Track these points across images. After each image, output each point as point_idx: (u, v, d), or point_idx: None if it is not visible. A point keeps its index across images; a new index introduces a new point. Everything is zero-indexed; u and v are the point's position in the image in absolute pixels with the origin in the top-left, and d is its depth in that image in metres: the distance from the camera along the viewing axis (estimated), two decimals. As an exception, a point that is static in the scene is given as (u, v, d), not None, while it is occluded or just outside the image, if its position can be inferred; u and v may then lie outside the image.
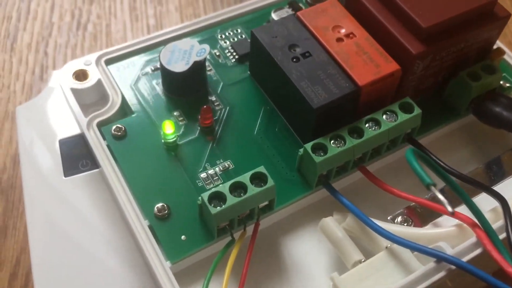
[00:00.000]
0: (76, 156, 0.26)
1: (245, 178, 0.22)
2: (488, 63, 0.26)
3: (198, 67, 0.25)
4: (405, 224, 0.23)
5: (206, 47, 0.25)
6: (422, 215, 0.24)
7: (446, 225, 0.22)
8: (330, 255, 0.23)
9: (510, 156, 0.26)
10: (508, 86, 0.28)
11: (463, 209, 0.22)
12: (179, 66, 0.25)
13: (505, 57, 0.28)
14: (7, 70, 0.37)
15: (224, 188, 0.21)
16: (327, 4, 0.27)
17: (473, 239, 0.21)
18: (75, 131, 0.27)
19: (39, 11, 0.40)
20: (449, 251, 0.20)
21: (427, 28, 0.24)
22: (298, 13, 0.26)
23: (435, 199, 0.23)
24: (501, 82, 0.28)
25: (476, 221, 0.20)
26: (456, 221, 0.22)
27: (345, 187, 0.25)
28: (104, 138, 0.25)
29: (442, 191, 0.25)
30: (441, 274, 0.20)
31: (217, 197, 0.21)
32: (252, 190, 0.21)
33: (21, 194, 0.31)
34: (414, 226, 0.23)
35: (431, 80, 0.26)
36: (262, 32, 0.25)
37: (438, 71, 0.26)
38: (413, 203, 0.24)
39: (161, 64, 0.25)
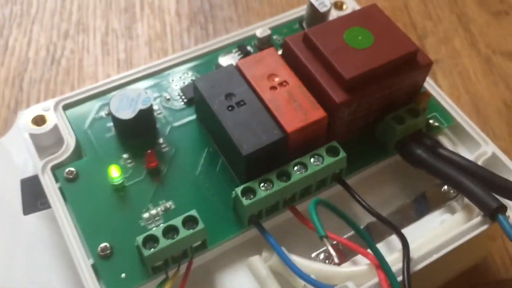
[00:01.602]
0: (35, 194, 0.29)
1: (177, 221, 0.24)
2: (413, 106, 0.28)
3: (143, 114, 0.28)
4: (326, 262, 0.25)
5: (151, 96, 0.28)
6: (343, 252, 0.26)
7: (361, 262, 0.25)
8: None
9: (434, 191, 0.28)
10: (436, 126, 0.30)
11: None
12: (126, 113, 0.27)
13: (436, 96, 0.30)
14: (-16, 104, 0.39)
15: (158, 231, 0.24)
16: (265, 53, 0.29)
17: (376, 279, 0.23)
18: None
19: (17, 46, 0.43)
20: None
21: (350, 79, 0.26)
22: (238, 62, 0.28)
23: (354, 238, 0.25)
24: (431, 121, 0.30)
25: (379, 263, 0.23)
26: (366, 261, 0.24)
27: (277, 225, 0.27)
28: (57, 181, 0.27)
29: (366, 228, 0.27)
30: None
31: (152, 239, 0.24)
32: (184, 232, 0.24)
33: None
34: (335, 262, 0.25)
35: (360, 122, 0.28)
36: (203, 81, 0.28)
37: (367, 114, 0.28)
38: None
39: (110, 111, 0.28)
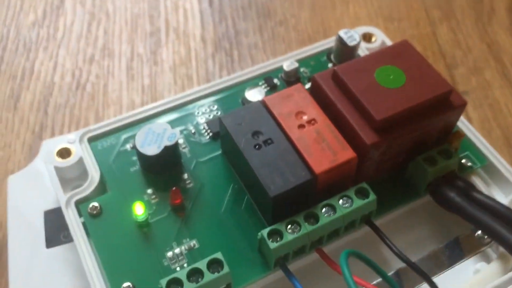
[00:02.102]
0: (58, 227, 0.28)
1: (202, 264, 0.23)
2: (446, 147, 0.28)
3: (169, 150, 0.27)
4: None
5: (177, 132, 0.27)
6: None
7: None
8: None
9: (467, 237, 0.27)
10: (469, 166, 0.29)
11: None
12: (151, 149, 0.27)
13: (468, 134, 0.30)
14: (9, 128, 0.39)
15: (182, 274, 0.23)
16: (292, 89, 0.28)
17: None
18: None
19: (42, 71, 0.43)
20: None
21: (380, 120, 0.25)
22: (265, 99, 0.28)
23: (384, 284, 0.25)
24: (463, 161, 0.29)
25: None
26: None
27: (303, 266, 0.26)
28: (80, 215, 0.27)
29: (396, 274, 0.26)
30: None
31: (175, 282, 0.23)
32: (208, 276, 0.23)
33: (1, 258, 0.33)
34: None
35: (390, 163, 0.28)
36: (229, 118, 0.27)
37: (397, 155, 0.27)
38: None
39: (135, 146, 0.27)
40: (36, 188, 0.30)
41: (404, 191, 0.28)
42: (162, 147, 0.27)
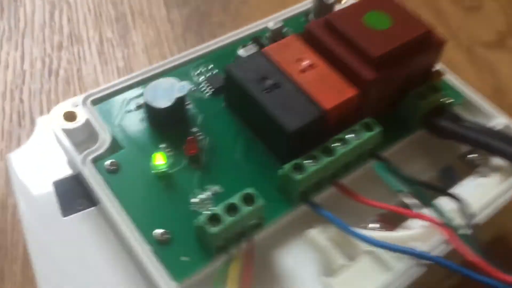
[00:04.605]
0: (71, 196, 0.28)
1: (236, 198, 0.24)
2: (432, 84, 0.30)
3: (180, 102, 0.28)
4: (379, 230, 0.26)
5: (186, 83, 0.28)
6: (391, 220, 0.27)
7: (413, 227, 0.26)
8: (317, 263, 0.26)
9: (459, 163, 0.30)
10: (450, 101, 0.32)
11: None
12: (163, 102, 0.28)
13: (445, 77, 0.33)
14: (-16, 118, 0.38)
15: (220, 210, 0.24)
16: (289, 39, 0.30)
17: (439, 237, 0.24)
18: (67, 172, 0.29)
19: (10, 60, 0.42)
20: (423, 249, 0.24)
21: (377, 57, 0.28)
22: (265, 49, 0.29)
23: (402, 205, 0.27)
24: (444, 99, 0.32)
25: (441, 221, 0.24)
26: (420, 223, 0.25)
27: (320, 202, 0.28)
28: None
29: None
30: (422, 270, 0.23)
31: (214, 219, 0.24)
32: (245, 209, 0.24)
33: (12, 239, 0.32)
34: (386, 230, 0.26)
35: (384, 101, 0.30)
36: (236, 68, 0.28)
37: (390, 94, 0.30)
38: (383, 210, 0.27)
39: (146, 101, 0.28)
40: (40, 162, 0.30)
41: (398, 127, 0.30)
42: (173, 99, 0.28)
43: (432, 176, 0.30)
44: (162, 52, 0.43)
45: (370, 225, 0.27)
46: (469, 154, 0.30)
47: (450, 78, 0.33)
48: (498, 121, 0.31)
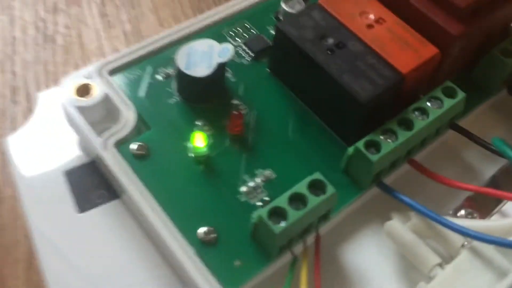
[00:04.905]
0: (87, 187, 0.23)
1: (301, 187, 0.19)
2: (514, 40, 0.25)
3: (221, 70, 0.23)
4: (470, 217, 0.22)
5: (229, 46, 0.23)
6: (483, 206, 0.22)
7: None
8: (394, 259, 0.21)
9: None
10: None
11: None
12: (201, 70, 0.22)
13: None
14: (-28, 95, 0.32)
15: (282, 202, 0.19)
16: (347, -11, 0.25)
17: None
18: (80, 160, 0.24)
19: (-3, 26, 0.36)
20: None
21: (465, 7, 0.22)
22: (320, 1, 0.24)
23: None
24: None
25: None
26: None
27: (391, 184, 0.23)
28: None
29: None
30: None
31: (276, 213, 0.19)
32: (314, 200, 0.19)
33: (11, 236, 0.27)
34: (478, 218, 0.22)
35: (461, 62, 0.25)
36: (288, 25, 0.23)
37: (469, 52, 0.25)
38: (471, 193, 0.22)
39: (178, 70, 0.22)
40: (44, 147, 0.24)
41: (472, 93, 0.25)
42: (214, 65, 0.22)
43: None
44: (174, 13, 0.37)
45: (461, 212, 0.22)
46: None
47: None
48: None
